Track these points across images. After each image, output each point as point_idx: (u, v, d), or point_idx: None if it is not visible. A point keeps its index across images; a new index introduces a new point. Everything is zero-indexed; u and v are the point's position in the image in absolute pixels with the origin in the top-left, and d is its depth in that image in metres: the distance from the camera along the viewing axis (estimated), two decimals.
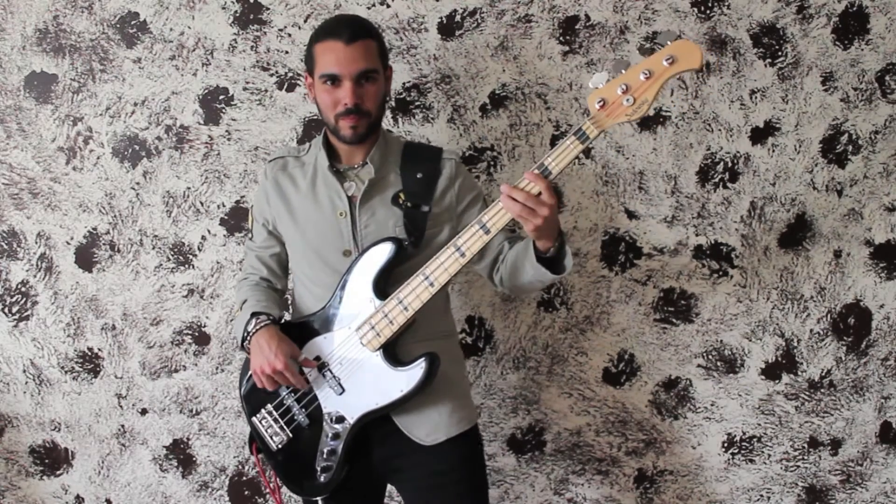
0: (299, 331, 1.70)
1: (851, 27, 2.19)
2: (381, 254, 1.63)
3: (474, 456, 1.77)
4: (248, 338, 1.69)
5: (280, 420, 1.71)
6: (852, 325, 2.30)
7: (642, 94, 1.48)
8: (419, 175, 1.72)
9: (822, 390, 2.31)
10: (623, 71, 1.49)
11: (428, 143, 2.17)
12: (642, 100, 1.48)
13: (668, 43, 1.47)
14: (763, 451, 2.33)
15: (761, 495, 2.34)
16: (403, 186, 1.71)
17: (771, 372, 2.30)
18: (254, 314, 1.71)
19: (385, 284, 1.64)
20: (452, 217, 1.74)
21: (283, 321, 1.76)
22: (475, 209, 1.75)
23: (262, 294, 1.80)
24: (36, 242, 2.23)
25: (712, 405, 2.31)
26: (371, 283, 1.63)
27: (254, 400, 1.74)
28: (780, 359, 2.30)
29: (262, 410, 1.73)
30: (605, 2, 2.16)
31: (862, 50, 2.20)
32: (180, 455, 2.30)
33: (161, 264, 2.23)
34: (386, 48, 1.75)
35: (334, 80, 1.64)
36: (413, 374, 1.61)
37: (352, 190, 1.72)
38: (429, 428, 1.68)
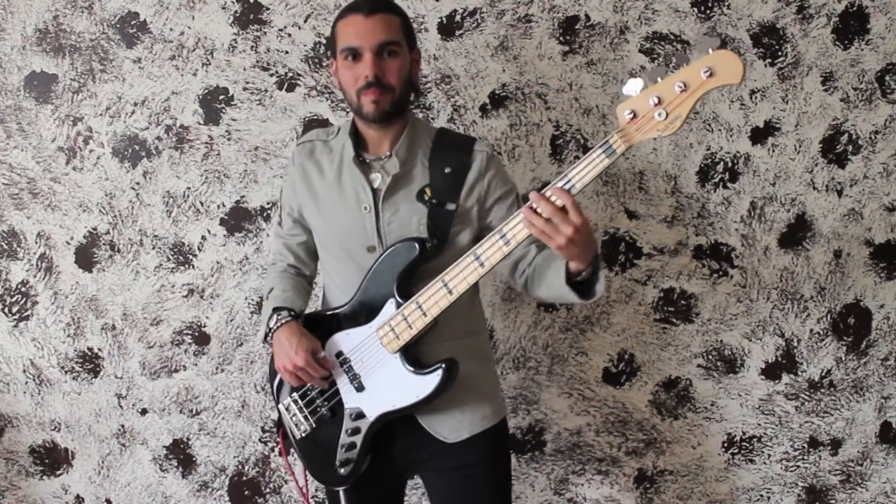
0: (324, 324, 1.69)
1: (851, 27, 2.19)
2: (405, 254, 1.60)
3: (499, 450, 1.75)
4: (270, 335, 1.68)
5: (304, 409, 1.70)
6: (852, 325, 2.30)
7: (676, 108, 1.35)
8: (447, 170, 1.65)
9: (822, 390, 2.31)
10: (659, 80, 1.35)
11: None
12: (675, 115, 1.35)
13: (710, 51, 1.31)
14: (763, 451, 2.33)
15: (761, 495, 2.35)
16: (430, 182, 1.65)
17: (771, 372, 2.30)
18: (275, 309, 1.69)
19: (408, 284, 1.60)
20: (481, 213, 1.68)
21: (306, 313, 1.74)
22: (505, 204, 1.68)
23: (287, 283, 1.77)
24: (36, 242, 2.23)
25: (712, 405, 2.31)
26: (394, 283, 1.60)
27: (282, 387, 1.74)
28: (780, 359, 2.30)
29: (288, 398, 1.72)
30: (605, 2, 2.16)
31: (862, 50, 2.20)
32: (180, 455, 2.30)
33: (161, 264, 2.23)
34: (412, 27, 1.67)
35: (355, 53, 1.58)
36: (429, 380, 1.58)
37: (377, 182, 1.66)
38: (452, 425, 1.66)
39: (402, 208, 1.64)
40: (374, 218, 1.65)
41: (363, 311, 1.65)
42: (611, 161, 1.40)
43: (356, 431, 1.65)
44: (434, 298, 1.56)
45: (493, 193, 1.68)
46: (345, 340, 1.67)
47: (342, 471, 1.67)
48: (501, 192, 1.68)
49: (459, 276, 1.54)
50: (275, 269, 1.83)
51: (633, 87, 1.37)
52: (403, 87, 1.62)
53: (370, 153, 1.69)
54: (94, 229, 2.22)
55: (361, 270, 1.65)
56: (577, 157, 2.21)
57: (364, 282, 1.65)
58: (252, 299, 2.23)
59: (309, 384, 1.68)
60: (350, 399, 1.66)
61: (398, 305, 1.60)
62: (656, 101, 1.35)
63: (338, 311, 1.69)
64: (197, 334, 2.26)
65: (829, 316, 2.29)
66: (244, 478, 2.32)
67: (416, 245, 1.59)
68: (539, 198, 1.40)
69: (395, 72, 1.59)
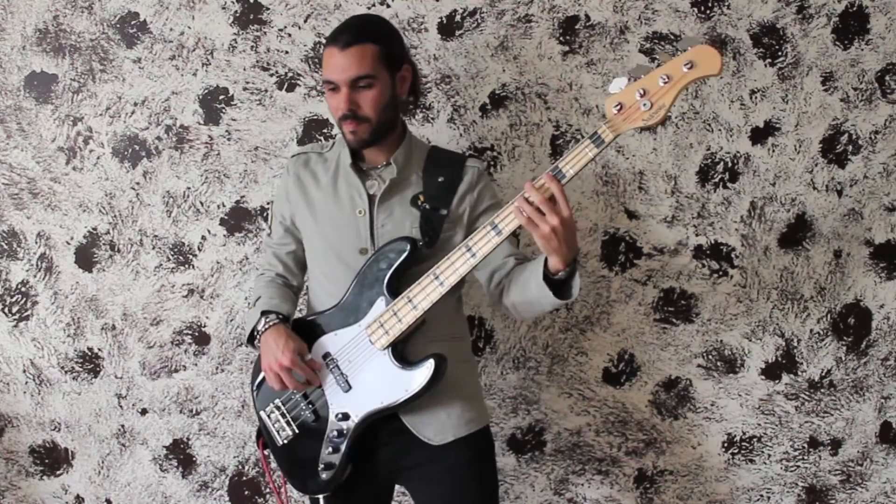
0: (310, 328, 1.71)
1: (851, 27, 2.19)
2: (396, 253, 1.64)
3: (484, 456, 1.77)
4: (258, 337, 1.70)
5: (287, 415, 1.72)
6: (852, 325, 2.30)
7: (660, 99, 1.47)
8: (441, 179, 1.73)
9: (822, 390, 2.31)
10: (642, 76, 1.48)
11: (428, 143, 2.17)
12: (660, 105, 1.47)
13: (689, 48, 1.45)
14: (763, 451, 2.33)
15: (761, 495, 2.35)
16: (424, 189, 1.72)
17: (771, 372, 2.30)
18: (263, 313, 1.72)
19: (398, 284, 1.64)
20: (469, 222, 1.74)
21: (294, 318, 1.77)
22: (490, 216, 1.71)
23: (274, 291, 1.80)
24: (36, 242, 2.23)
25: (712, 405, 2.31)
26: (384, 282, 1.64)
27: (263, 394, 1.75)
28: (780, 359, 2.30)
29: (271, 404, 1.73)
30: (605, 2, 2.16)
31: (862, 50, 2.20)
32: (180, 455, 2.30)
33: (161, 264, 2.23)
34: (395, 50, 1.70)
35: (333, 86, 1.65)
36: (419, 374, 1.61)
37: (373, 189, 1.72)
38: (437, 428, 1.68)
39: (396, 212, 1.70)
40: (368, 221, 1.70)
41: (352, 312, 1.68)
42: (599, 150, 1.49)
43: (341, 433, 1.66)
44: (426, 292, 1.60)
45: (481, 204, 1.76)
46: (332, 341, 1.69)
47: (324, 475, 1.67)
48: (489, 204, 1.76)
49: (451, 269, 1.59)
50: (262, 279, 1.86)
51: (618, 84, 1.50)
52: (381, 114, 1.67)
53: (366, 163, 1.76)
54: (94, 229, 2.22)
55: (352, 272, 1.69)
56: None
57: (354, 282, 1.68)
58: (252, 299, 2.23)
59: (291, 388, 1.68)
60: (336, 400, 1.67)
61: (388, 303, 1.63)
62: (642, 92, 1.48)
63: (326, 312, 1.71)
64: (197, 334, 2.26)
65: (829, 316, 2.29)
66: (244, 478, 2.32)
67: (408, 244, 1.64)
68: (531, 187, 1.48)
69: (370, 103, 1.65)
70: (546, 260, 1.54)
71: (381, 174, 1.73)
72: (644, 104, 1.47)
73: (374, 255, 1.66)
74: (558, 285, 1.56)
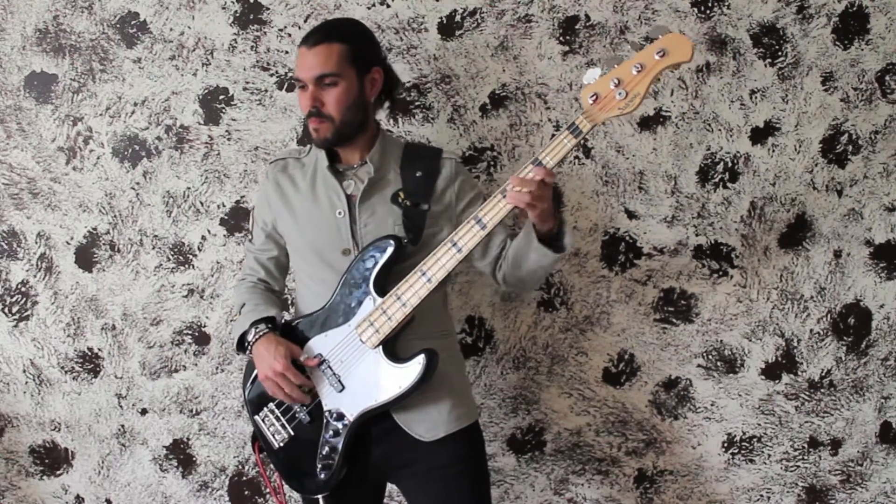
0: (300, 331, 1.73)
1: (851, 27, 2.19)
2: (381, 251, 1.65)
3: (475, 452, 1.78)
4: (249, 347, 1.73)
5: (282, 418, 1.73)
6: (852, 325, 2.30)
7: (634, 87, 1.50)
8: (418, 174, 1.75)
9: (822, 390, 2.31)
10: (616, 66, 1.52)
11: (428, 143, 2.17)
12: (634, 93, 1.51)
13: (660, 37, 1.49)
14: (763, 451, 2.33)
15: (761, 495, 2.34)
16: (403, 185, 1.74)
17: (771, 372, 2.30)
18: (253, 324, 1.73)
19: (384, 282, 1.65)
20: (452, 216, 1.76)
21: (283, 322, 1.78)
22: (475, 208, 1.74)
23: (259, 297, 1.82)
24: (36, 242, 2.23)
25: (712, 405, 2.31)
26: (371, 281, 1.65)
27: (257, 398, 1.76)
28: (780, 359, 2.30)
29: (265, 409, 1.75)
30: (605, 2, 2.16)
31: (862, 50, 2.20)
32: (180, 455, 2.30)
33: (161, 264, 2.23)
34: (364, 52, 1.71)
35: (302, 84, 1.69)
36: (411, 369, 1.62)
37: (350, 189, 1.74)
38: (428, 424, 1.69)
39: (378, 211, 1.72)
40: (348, 222, 1.72)
41: (341, 313, 1.69)
42: (577, 140, 1.54)
43: (337, 433, 1.67)
44: (414, 289, 1.62)
45: (463, 198, 1.78)
46: (323, 343, 1.70)
47: (323, 475, 1.69)
48: (471, 196, 1.78)
49: (438, 265, 1.61)
50: (244, 285, 1.88)
51: (592, 75, 1.54)
52: (345, 114, 1.69)
53: (342, 164, 1.78)
54: (94, 229, 2.22)
55: (337, 273, 1.71)
56: (576, 157, 2.21)
57: (340, 283, 1.69)
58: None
59: (290, 392, 1.69)
60: (330, 401, 1.68)
61: (377, 301, 1.64)
62: (616, 82, 1.51)
63: (315, 314, 1.72)
64: (197, 334, 2.26)
65: (829, 316, 2.29)
66: (244, 478, 2.32)
67: (392, 242, 1.65)
68: (519, 181, 1.53)
69: (333, 102, 1.68)
70: (534, 228, 1.61)
71: (357, 174, 1.76)
72: (619, 93, 1.51)
73: (359, 255, 1.68)
74: (552, 243, 1.63)
